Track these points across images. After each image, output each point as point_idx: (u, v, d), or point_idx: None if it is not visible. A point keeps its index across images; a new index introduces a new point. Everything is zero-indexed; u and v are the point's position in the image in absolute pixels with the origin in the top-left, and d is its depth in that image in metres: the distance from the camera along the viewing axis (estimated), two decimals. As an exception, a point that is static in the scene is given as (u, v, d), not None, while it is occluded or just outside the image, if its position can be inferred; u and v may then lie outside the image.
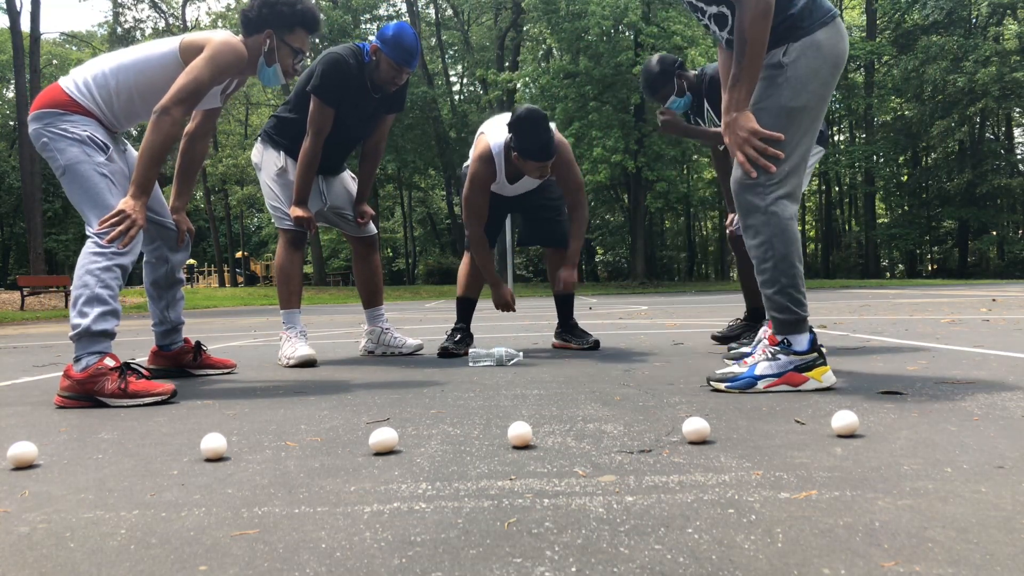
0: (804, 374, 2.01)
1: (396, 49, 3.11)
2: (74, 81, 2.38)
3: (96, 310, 2.18)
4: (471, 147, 3.65)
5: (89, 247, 2.26)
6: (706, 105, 3.31)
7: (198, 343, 2.88)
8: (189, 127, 2.78)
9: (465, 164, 3.65)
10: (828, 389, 2.03)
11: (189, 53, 2.38)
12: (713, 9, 2.14)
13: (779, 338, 2.04)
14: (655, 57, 3.34)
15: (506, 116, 3.37)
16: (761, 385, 2.01)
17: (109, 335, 2.21)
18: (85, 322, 2.17)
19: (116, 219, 2.27)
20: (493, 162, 3.29)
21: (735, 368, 2.08)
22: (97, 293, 2.20)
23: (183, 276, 2.84)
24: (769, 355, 2.04)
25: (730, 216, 3.55)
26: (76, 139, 2.31)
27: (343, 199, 3.47)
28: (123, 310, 2.29)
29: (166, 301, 2.77)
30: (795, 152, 2.02)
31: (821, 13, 2.03)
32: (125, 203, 2.29)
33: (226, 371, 2.94)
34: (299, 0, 2.51)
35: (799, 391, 2.01)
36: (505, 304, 3.45)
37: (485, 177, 3.29)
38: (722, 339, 3.60)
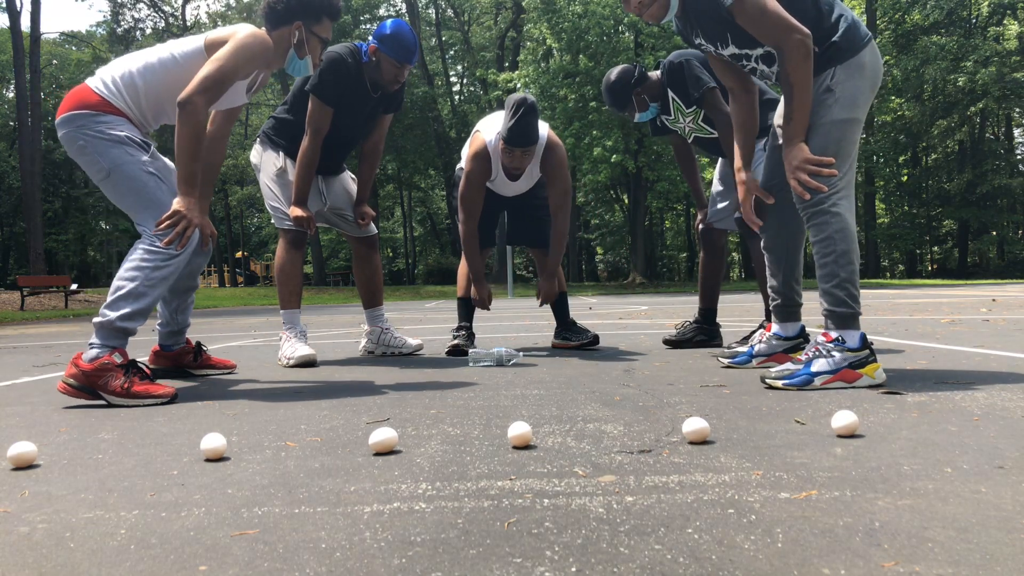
0: (858, 371, 2.07)
1: (395, 47, 3.11)
2: (102, 80, 2.36)
3: (128, 308, 2.19)
4: (465, 146, 3.67)
5: (143, 243, 2.26)
6: (671, 94, 3.23)
7: (198, 343, 2.89)
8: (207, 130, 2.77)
9: (459, 166, 3.65)
10: (836, 388, 2.03)
11: (215, 49, 2.34)
12: (759, 51, 2.28)
13: (834, 335, 2.11)
14: (613, 73, 3.25)
15: (501, 114, 3.38)
16: (818, 382, 2.06)
17: (128, 333, 2.21)
18: (112, 315, 2.18)
19: (171, 220, 2.25)
20: (489, 159, 3.31)
21: (790, 366, 2.13)
22: (138, 290, 2.20)
23: (198, 282, 2.84)
24: (824, 352, 2.09)
25: (699, 214, 3.53)
26: (115, 140, 2.29)
27: (343, 199, 3.47)
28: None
29: (177, 304, 2.77)
30: (847, 159, 2.19)
31: (861, 35, 2.21)
32: (178, 203, 2.27)
33: (226, 371, 2.94)
34: None
35: (854, 387, 2.05)
36: (482, 302, 3.48)
37: (481, 174, 3.32)
38: (675, 343, 3.51)
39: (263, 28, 2.50)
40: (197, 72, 2.29)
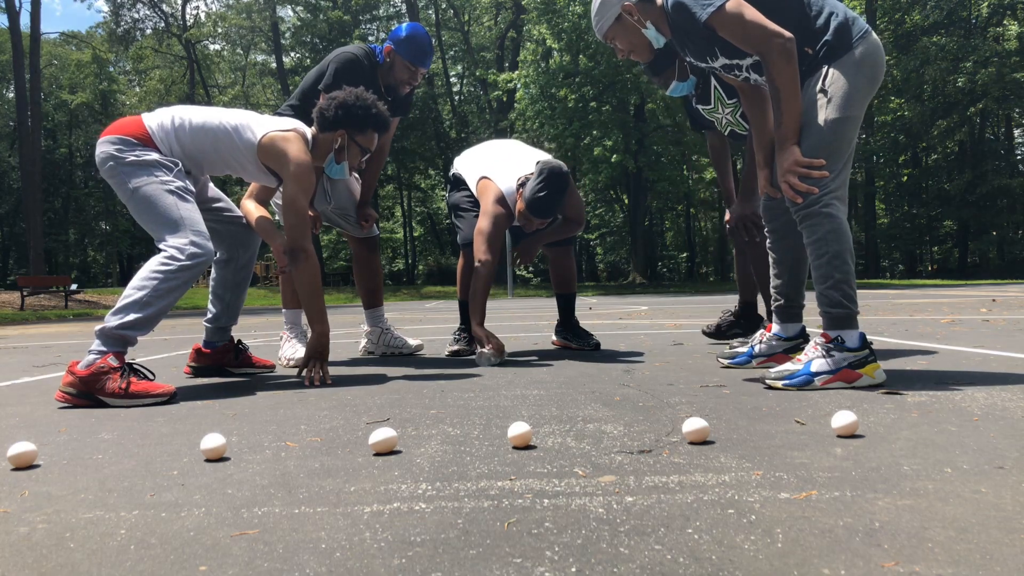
0: (858, 371, 2.07)
1: (410, 49, 3.12)
2: (159, 123, 2.47)
3: (132, 316, 2.21)
4: (463, 161, 3.58)
5: (159, 256, 2.30)
6: (713, 83, 3.23)
7: (239, 342, 2.88)
8: (254, 191, 2.89)
9: (452, 171, 3.60)
10: (836, 388, 2.03)
11: (265, 156, 2.51)
12: (748, 60, 2.27)
13: (832, 335, 2.10)
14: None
15: (497, 152, 3.35)
16: (818, 382, 2.06)
17: (128, 341, 2.23)
18: (115, 321, 2.20)
19: (302, 367, 2.54)
20: (508, 206, 3.26)
21: (789, 366, 2.12)
22: (144, 299, 2.23)
23: (250, 275, 2.87)
24: (823, 352, 2.09)
25: (728, 212, 3.55)
26: (143, 163, 2.39)
27: (347, 200, 3.47)
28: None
29: (230, 298, 2.80)
30: (841, 159, 2.17)
31: (856, 30, 2.18)
32: (311, 345, 2.53)
33: (266, 371, 2.93)
34: (373, 104, 2.61)
35: (854, 387, 2.05)
36: (496, 350, 2.97)
37: (507, 217, 3.26)
38: (714, 334, 3.60)
39: (312, 126, 2.62)
40: (239, 157, 2.52)
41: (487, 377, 2.56)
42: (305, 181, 2.48)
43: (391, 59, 3.16)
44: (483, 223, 3.19)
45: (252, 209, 2.76)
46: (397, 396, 2.17)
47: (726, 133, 3.36)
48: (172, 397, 2.17)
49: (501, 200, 3.23)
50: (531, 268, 38.98)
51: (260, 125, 2.54)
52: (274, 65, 34.90)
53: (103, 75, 41.40)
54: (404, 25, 3.19)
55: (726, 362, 2.62)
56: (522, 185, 3.20)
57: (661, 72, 3.24)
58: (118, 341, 2.21)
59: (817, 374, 2.06)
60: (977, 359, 2.70)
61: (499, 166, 3.33)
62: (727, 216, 3.55)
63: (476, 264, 3.14)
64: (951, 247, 37.04)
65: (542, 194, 3.07)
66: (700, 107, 3.34)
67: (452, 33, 38.48)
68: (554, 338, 3.73)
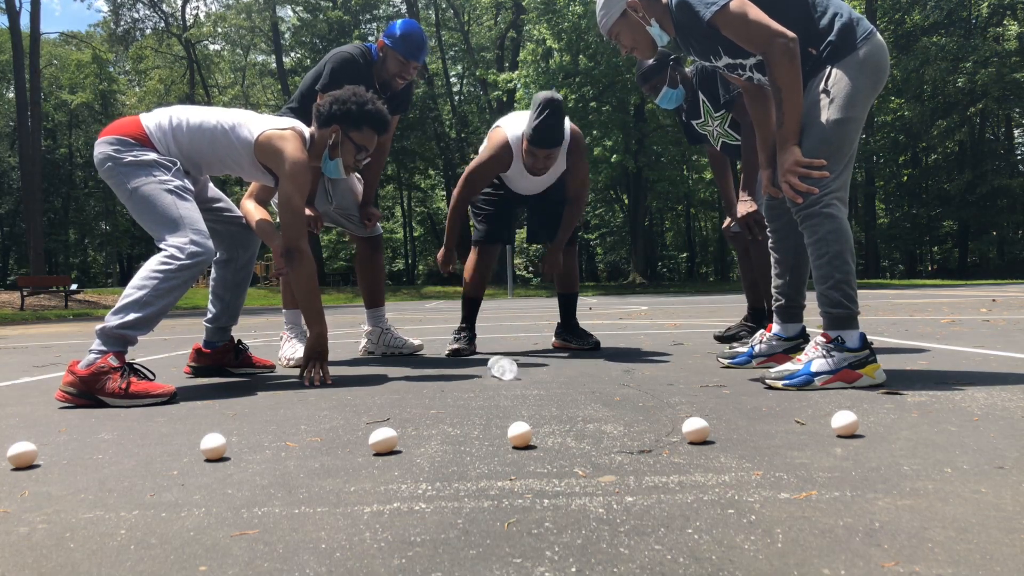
0: (858, 371, 2.07)
1: (403, 43, 3.13)
2: (157, 123, 2.48)
3: (132, 315, 2.22)
4: (481, 146, 3.63)
5: (159, 255, 2.30)
6: (701, 96, 3.28)
7: (239, 342, 2.88)
8: (255, 191, 2.88)
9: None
10: (834, 388, 2.03)
11: (262, 154, 2.51)
12: (752, 60, 2.28)
13: (833, 335, 2.10)
14: None
15: (523, 113, 3.38)
16: (818, 382, 2.06)
17: (128, 340, 2.23)
18: (115, 321, 2.20)
19: (304, 368, 2.53)
20: (510, 154, 3.29)
21: (789, 366, 2.12)
22: (144, 299, 2.23)
23: (250, 275, 2.87)
24: (823, 352, 2.09)
25: (728, 219, 3.56)
26: (141, 163, 2.39)
27: (349, 200, 3.47)
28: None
29: (230, 298, 2.80)
30: (842, 160, 2.16)
31: (860, 32, 2.18)
32: (310, 345, 2.53)
33: (266, 371, 2.93)
34: (369, 101, 2.60)
35: (854, 387, 2.05)
36: (443, 267, 3.50)
37: (497, 163, 3.30)
38: (723, 339, 3.61)
39: (310, 124, 2.64)
40: (236, 157, 2.52)
41: (487, 377, 2.56)
42: (301, 180, 2.47)
43: (384, 53, 3.17)
44: (472, 164, 3.33)
45: (252, 210, 2.76)
46: (397, 396, 2.17)
47: (718, 146, 3.38)
48: (172, 397, 2.17)
49: (503, 145, 3.28)
50: (531, 268, 38.99)
51: (257, 124, 2.54)
52: (274, 65, 34.92)
53: (103, 75, 41.41)
54: (399, 21, 3.20)
55: (726, 362, 2.62)
56: (524, 132, 3.25)
57: (651, 79, 3.26)
58: (118, 341, 2.21)
59: (817, 374, 2.06)
60: (977, 359, 2.70)
61: (515, 119, 3.38)
62: (726, 222, 3.56)
63: (452, 201, 3.40)
64: (951, 247, 37.04)
65: (538, 120, 3.11)
66: (693, 122, 3.37)
67: (452, 33, 38.47)
68: (554, 339, 3.73)
